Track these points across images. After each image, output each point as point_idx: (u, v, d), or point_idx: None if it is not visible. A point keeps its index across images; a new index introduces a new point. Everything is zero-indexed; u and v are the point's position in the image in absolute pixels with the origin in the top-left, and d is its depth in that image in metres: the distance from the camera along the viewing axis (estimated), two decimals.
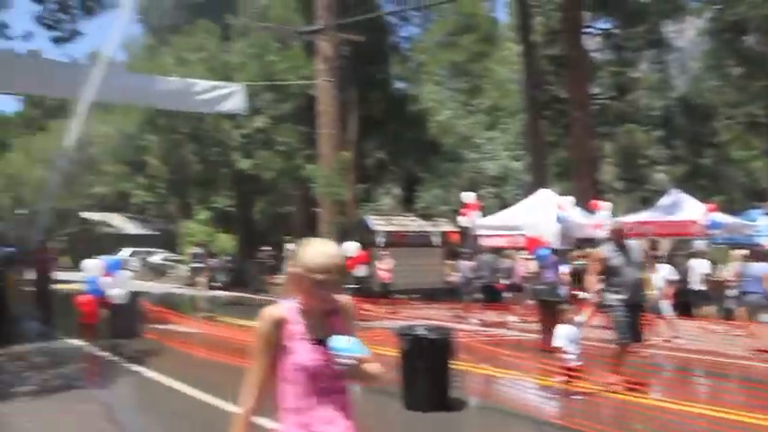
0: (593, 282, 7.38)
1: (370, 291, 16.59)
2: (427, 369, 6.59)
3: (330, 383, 2.25)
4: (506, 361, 7.60)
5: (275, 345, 2.26)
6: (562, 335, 7.11)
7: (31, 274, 13.93)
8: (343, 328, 2.29)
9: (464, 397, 6.83)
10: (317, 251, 2.24)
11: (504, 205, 23.67)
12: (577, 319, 7.42)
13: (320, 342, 2.23)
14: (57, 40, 14.10)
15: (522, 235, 14.76)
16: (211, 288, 24.32)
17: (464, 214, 16.78)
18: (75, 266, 28.62)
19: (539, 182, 20.45)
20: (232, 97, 17.73)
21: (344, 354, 2.16)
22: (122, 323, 11.41)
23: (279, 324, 2.27)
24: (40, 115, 43.21)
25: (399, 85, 28.88)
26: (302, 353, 2.23)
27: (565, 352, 7.00)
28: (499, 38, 34.18)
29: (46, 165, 32.68)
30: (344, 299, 2.35)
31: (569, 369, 6.89)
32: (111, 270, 11.40)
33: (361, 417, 2.36)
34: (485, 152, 28.98)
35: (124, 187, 40.08)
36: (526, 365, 7.62)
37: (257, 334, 2.30)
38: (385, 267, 16.95)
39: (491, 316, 13.88)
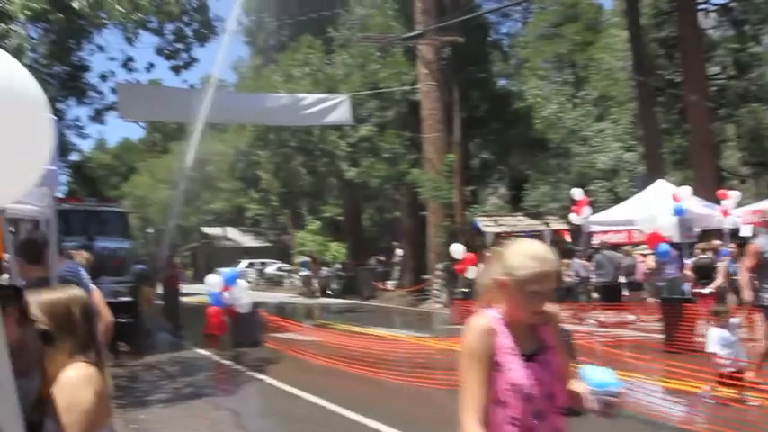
0: (746, 278, 6.72)
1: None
2: None
3: (544, 405, 1.94)
4: (628, 363, 7.26)
5: (489, 359, 1.93)
6: (714, 338, 6.48)
7: (159, 289, 14.93)
8: (553, 340, 2.04)
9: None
10: (527, 254, 1.95)
11: (618, 199, 22.73)
12: (732, 320, 6.68)
13: (531, 357, 1.96)
14: (174, 69, 15.04)
15: (638, 230, 14.11)
16: (325, 296, 25.02)
17: (575, 212, 16.31)
18: (198, 279, 30.23)
19: (654, 172, 19.45)
20: (338, 108, 18.15)
21: (604, 390, 1.87)
22: (244, 333, 11.96)
23: (490, 335, 1.95)
24: (160, 139, 46.24)
25: (502, 82, 28.45)
26: (516, 370, 1.92)
27: (718, 357, 6.39)
28: (604, 25, 32.91)
29: (169, 185, 34.92)
30: (552, 307, 2.05)
31: (724, 376, 6.30)
32: (229, 283, 11.98)
33: None
34: (594, 145, 27.93)
35: (239, 202, 42.16)
36: (650, 368, 7.25)
37: (468, 349, 1.95)
38: None
39: (609, 316, 13.33)
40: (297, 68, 24.85)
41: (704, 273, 10.35)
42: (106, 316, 5.09)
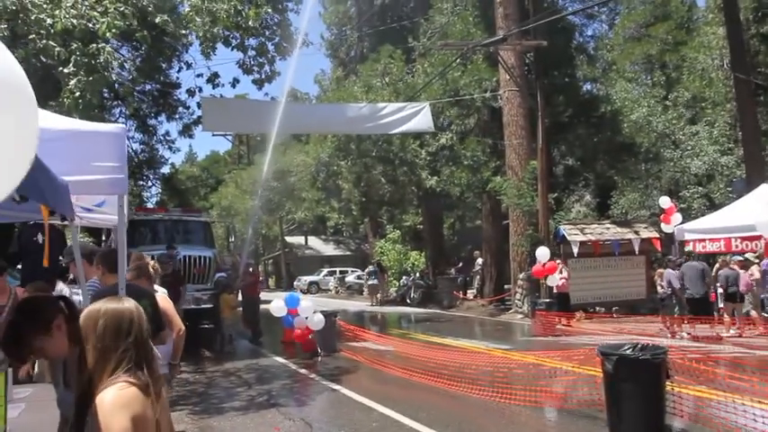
0: None
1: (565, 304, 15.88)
2: (635, 392, 5.99)
3: None
4: (727, 382, 6.66)
5: None
6: None
7: (239, 296, 15.19)
8: None
9: (678, 423, 6.09)
10: None
11: (714, 205, 21.42)
12: None
13: None
14: (257, 83, 15.31)
15: (739, 237, 13.20)
16: (404, 304, 24.93)
17: (664, 221, 15.54)
18: (280, 287, 30.70)
19: (755, 176, 18.14)
20: (419, 116, 17.99)
21: None
22: (321, 341, 11.97)
23: None
24: (246, 151, 47.66)
25: (587, 86, 27.46)
26: None
27: None
28: (697, 22, 31.25)
29: (253, 196, 35.83)
30: None
31: None
32: (292, 305, 12.07)
33: None
34: (687, 149, 26.44)
35: (321, 211, 42.72)
36: (751, 388, 6.60)
37: None
38: (563, 277, 16.07)
39: (704, 330, 12.46)
40: (377, 79, 24.92)
41: None
42: (177, 324, 5.06)
